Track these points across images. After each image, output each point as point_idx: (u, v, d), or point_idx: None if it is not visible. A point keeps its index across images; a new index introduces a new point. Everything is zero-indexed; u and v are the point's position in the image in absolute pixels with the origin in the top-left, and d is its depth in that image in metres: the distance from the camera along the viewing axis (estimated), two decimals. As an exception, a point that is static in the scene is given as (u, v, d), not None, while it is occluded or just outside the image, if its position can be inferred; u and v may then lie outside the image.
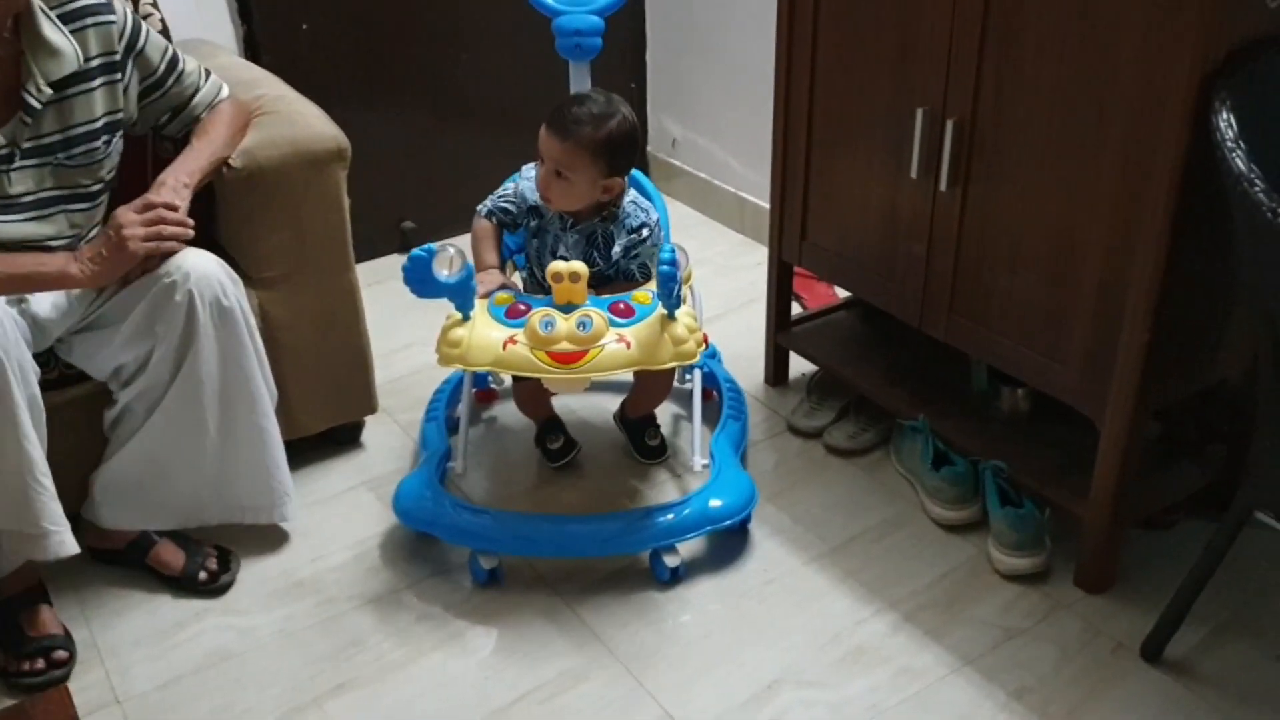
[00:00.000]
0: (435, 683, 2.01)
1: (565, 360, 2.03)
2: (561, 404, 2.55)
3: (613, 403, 2.59)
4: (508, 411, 2.66)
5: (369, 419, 2.62)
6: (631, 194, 2.28)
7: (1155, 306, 1.86)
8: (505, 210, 2.30)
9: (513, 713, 1.95)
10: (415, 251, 1.97)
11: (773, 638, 2.08)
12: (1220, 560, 1.86)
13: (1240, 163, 1.55)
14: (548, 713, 1.95)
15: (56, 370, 2.10)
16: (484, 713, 1.95)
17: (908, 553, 2.26)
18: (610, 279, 2.25)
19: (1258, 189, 1.51)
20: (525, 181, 2.29)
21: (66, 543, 1.98)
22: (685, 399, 2.59)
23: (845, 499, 2.41)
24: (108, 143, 2.08)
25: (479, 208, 2.33)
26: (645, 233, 2.23)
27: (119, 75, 2.07)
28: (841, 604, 2.15)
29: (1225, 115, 1.61)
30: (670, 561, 2.16)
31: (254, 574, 2.25)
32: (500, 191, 2.33)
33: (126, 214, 1.98)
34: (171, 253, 2.02)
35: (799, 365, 2.78)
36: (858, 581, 2.19)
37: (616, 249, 2.23)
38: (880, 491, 2.43)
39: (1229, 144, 1.58)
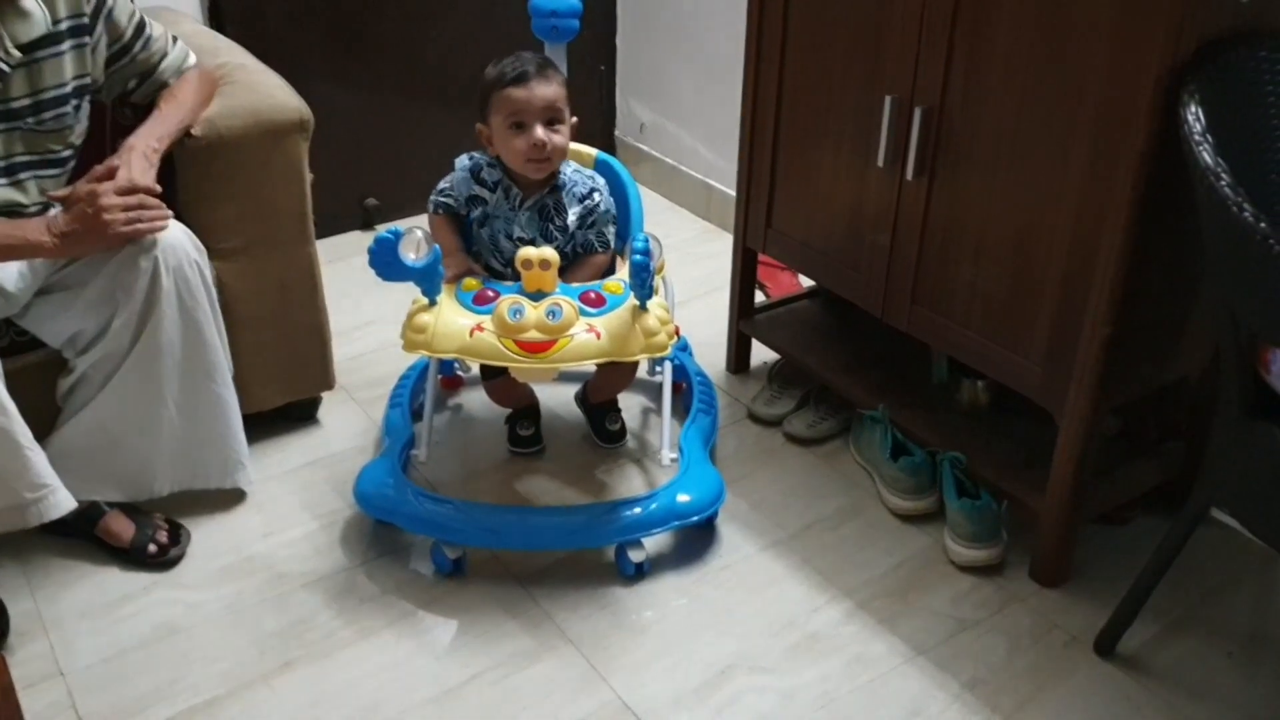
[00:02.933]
0: (386, 662, 1.99)
1: (533, 349, 2.00)
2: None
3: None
4: (473, 399, 2.63)
5: (326, 396, 2.59)
6: (571, 162, 2.25)
7: (1118, 301, 1.86)
8: (447, 205, 2.27)
9: (464, 693, 1.93)
10: (382, 234, 1.94)
11: (727, 624, 2.07)
12: (1175, 557, 1.87)
13: (1208, 156, 1.55)
14: (500, 694, 1.93)
15: (8, 337, 2.06)
16: (435, 692, 1.93)
17: (863, 542, 2.26)
18: (571, 257, 2.22)
19: (1224, 182, 1.51)
20: (459, 173, 2.25)
21: (62, 502, 1.96)
22: (655, 391, 2.57)
23: (803, 487, 2.41)
24: (77, 107, 2.05)
25: (428, 204, 2.30)
26: (597, 197, 2.21)
27: (88, 38, 2.03)
28: (796, 591, 2.14)
29: (1194, 109, 1.61)
30: (635, 557, 2.14)
31: (204, 548, 2.22)
32: (439, 187, 2.28)
33: (107, 193, 1.92)
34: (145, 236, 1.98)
35: (761, 353, 2.77)
36: (813, 569, 2.19)
37: (571, 217, 2.20)
38: (838, 480, 2.43)
39: (1197, 137, 1.58)
